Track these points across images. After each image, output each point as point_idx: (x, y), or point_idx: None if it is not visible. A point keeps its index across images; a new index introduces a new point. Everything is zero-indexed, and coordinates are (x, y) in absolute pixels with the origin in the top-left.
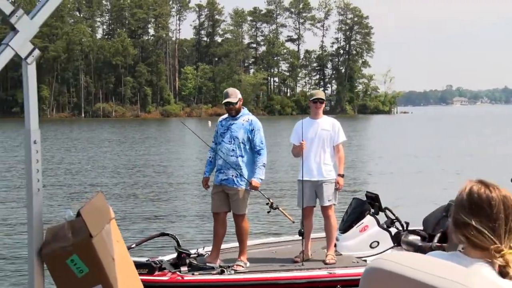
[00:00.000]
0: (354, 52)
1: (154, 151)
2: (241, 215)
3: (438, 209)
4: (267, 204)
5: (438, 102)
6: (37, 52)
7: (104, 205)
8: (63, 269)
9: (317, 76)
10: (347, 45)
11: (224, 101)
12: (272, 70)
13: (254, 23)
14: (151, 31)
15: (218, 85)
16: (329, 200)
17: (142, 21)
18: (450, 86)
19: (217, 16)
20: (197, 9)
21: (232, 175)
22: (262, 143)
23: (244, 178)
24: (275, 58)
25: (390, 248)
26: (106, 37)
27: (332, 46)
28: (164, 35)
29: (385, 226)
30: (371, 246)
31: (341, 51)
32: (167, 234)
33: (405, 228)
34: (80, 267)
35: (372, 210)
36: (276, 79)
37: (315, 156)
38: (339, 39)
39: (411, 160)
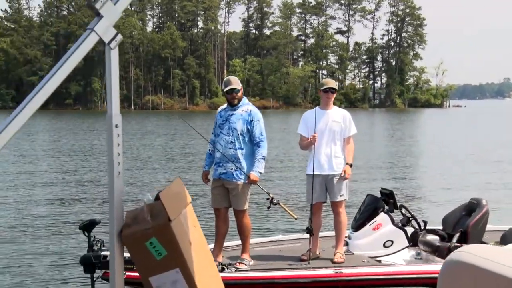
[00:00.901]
0: (405, 44)
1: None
2: (242, 211)
3: (459, 208)
4: (267, 199)
5: (494, 95)
6: (119, 37)
7: (182, 189)
8: (142, 251)
9: (367, 69)
10: (398, 37)
11: (226, 88)
12: (321, 63)
13: (303, 15)
14: (200, 24)
15: (266, 78)
16: (340, 195)
17: (191, 14)
18: (508, 79)
19: (265, 9)
20: (246, 1)
21: (231, 169)
22: (262, 135)
23: (244, 171)
24: (323, 51)
25: (405, 248)
26: (156, 30)
27: (382, 38)
28: (212, 27)
29: (400, 225)
30: (384, 245)
31: (392, 43)
32: None
33: (422, 227)
34: (159, 250)
35: (387, 208)
36: (325, 71)
37: (326, 149)
38: (390, 31)
39: (444, 156)
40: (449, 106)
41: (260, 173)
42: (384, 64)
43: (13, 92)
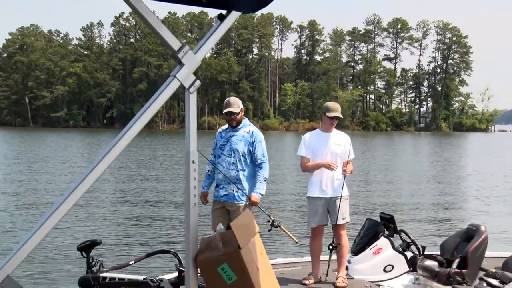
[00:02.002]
0: (452, 70)
1: None
2: None
3: (457, 234)
4: (268, 221)
5: None
6: (198, 83)
7: (251, 220)
8: (214, 275)
9: (413, 94)
10: (444, 64)
11: (225, 111)
12: (368, 88)
13: (353, 42)
14: (255, 50)
15: (316, 101)
16: (343, 218)
17: (247, 41)
18: None
19: (317, 36)
20: (299, 29)
21: (233, 190)
22: (263, 156)
23: (245, 193)
24: (371, 76)
25: (405, 273)
26: (214, 56)
27: (429, 65)
28: (266, 54)
29: (400, 249)
30: (385, 270)
31: (438, 70)
32: (168, 252)
33: (421, 252)
34: (229, 275)
35: (387, 232)
36: (372, 96)
37: (328, 172)
38: (436, 58)
39: (467, 180)
40: (494, 131)
41: (262, 194)
42: (430, 90)
43: (84, 112)
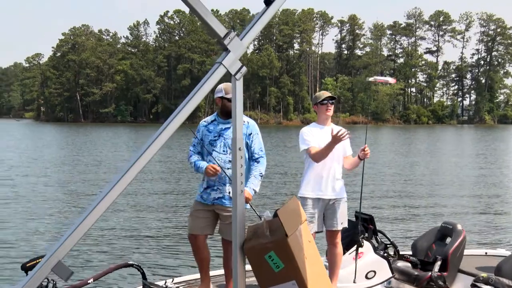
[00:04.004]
0: (496, 62)
1: None
2: None
3: (430, 232)
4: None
5: None
6: (244, 69)
7: (298, 208)
8: (262, 263)
9: (455, 87)
10: (488, 56)
11: (218, 95)
12: (409, 81)
13: (393, 36)
14: (296, 46)
15: (356, 95)
16: (341, 223)
17: (288, 36)
18: None
19: (357, 31)
20: (339, 24)
21: (229, 192)
22: (261, 150)
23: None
24: (412, 70)
25: (388, 279)
26: (255, 51)
27: (472, 57)
28: (307, 49)
29: (381, 253)
30: (367, 277)
31: (482, 62)
32: (131, 265)
33: (394, 254)
34: (277, 262)
35: (366, 234)
36: (413, 89)
37: (329, 170)
38: (480, 50)
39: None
40: None
41: (255, 191)
42: (473, 82)
43: (131, 107)
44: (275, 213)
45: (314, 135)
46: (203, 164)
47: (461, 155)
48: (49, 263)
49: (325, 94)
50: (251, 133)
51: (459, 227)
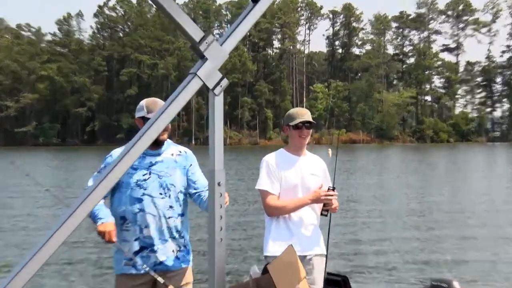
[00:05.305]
0: None
1: None
2: None
3: None
4: None
5: None
6: (225, 82)
7: (295, 261)
8: None
9: (483, 94)
10: None
11: (139, 115)
12: (423, 87)
13: (401, 30)
14: (276, 43)
15: (355, 106)
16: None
17: (265, 31)
18: None
19: (354, 24)
20: (331, 15)
21: (174, 251)
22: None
23: (189, 249)
24: (426, 72)
25: None
26: None
27: (502, 56)
28: (290, 47)
29: None
30: None
31: None
32: None
33: None
34: None
35: None
36: (428, 97)
37: (304, 215)
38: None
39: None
40: None
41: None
42: (505, 88)
43: (58, 125)
44: (265, 268)
45: (278, 175)
46: (104, 216)
47: (494, 184)
48: None
49: (302, 115)
50: (191, 164)
51: (455, 284)
